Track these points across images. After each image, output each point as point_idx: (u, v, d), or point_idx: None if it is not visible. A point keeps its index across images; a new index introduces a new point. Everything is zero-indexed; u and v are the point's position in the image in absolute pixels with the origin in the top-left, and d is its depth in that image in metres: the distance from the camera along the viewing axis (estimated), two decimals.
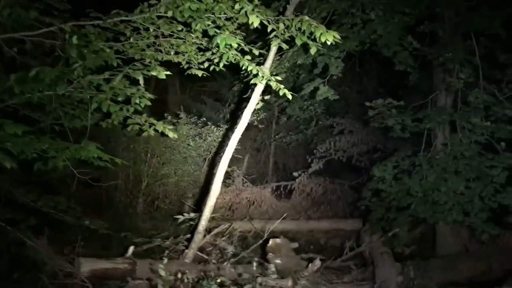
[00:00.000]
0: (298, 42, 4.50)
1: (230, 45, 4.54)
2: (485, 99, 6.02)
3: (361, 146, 9.90)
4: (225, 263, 5.40)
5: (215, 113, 11.27)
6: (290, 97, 5.01)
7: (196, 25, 4.39)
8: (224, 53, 4.76)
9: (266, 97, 6.23)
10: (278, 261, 5.55)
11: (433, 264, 6.07)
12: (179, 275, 4.40)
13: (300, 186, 10.26)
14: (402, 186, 6.25)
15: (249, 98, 5.89)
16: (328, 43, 4.20)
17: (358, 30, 6.14)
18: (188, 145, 9.17)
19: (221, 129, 9.39)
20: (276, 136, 11.17)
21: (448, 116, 6.08)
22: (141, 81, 4.67)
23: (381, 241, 6.21)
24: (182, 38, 4.75)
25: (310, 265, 5.37)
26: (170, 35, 4.79)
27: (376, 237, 6.35)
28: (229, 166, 10.77)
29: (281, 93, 5.17)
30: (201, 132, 9.39)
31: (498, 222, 6.31)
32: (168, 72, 4.93)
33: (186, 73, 5.44)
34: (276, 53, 6.67)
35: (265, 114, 9.91)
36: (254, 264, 4.89)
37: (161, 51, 4.98)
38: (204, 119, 9.48)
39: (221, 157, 6.03)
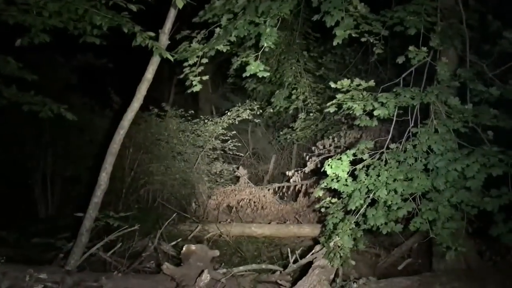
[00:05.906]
0: None
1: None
2: (462, 75, 4.57)
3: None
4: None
5: None
6: (171, 58, 4.52)
7: None
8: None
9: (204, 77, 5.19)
10: (176, 270, 4.61)
11: (389, 284, 4.74)
12: None
13: (306, 188, 9.19)
14: (357, 185, 5.00)
15: None
16: None
17: None
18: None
19: None
20: (281, 133, 10.05)
21: (408, 99, 4.69)
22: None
23: (322, 252, 5.00)
24: None
25: (197, 278, 4.37)
26: None
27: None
28: (228, 163, 10.13)
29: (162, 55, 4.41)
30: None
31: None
32: None
33: (80, 41, 4.75)
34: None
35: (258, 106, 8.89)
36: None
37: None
38: None
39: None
